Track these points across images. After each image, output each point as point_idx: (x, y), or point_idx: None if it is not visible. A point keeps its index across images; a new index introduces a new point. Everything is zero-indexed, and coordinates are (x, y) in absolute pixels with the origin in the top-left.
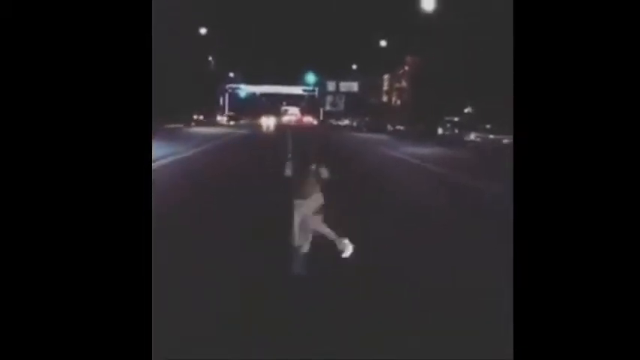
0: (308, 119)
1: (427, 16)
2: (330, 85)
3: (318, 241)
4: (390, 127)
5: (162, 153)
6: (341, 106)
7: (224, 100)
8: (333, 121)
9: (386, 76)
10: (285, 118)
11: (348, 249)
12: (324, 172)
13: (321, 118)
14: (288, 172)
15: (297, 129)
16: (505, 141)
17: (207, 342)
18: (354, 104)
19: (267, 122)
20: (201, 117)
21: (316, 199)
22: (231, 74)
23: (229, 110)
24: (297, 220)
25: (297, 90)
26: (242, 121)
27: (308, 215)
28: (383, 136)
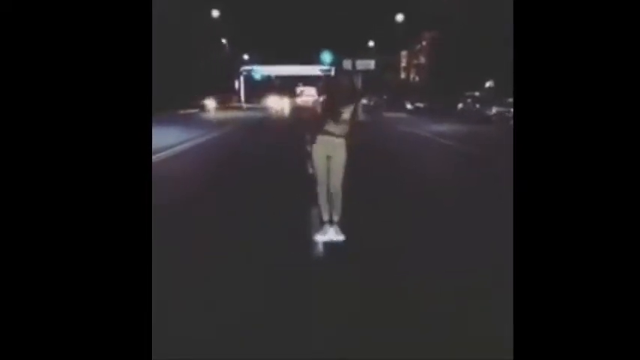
0: None
1: None
2: (347, 64)
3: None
4: (408, 105)
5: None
6: (359, 84)
7: (239, 83)
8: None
9: (403, 53)
10: (302, 100)
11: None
12: (360, 113)
13: None
14: (310, 169)
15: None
16: None
17: (207, 342)
18: (371, 83)
19: (281, 104)
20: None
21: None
22: (246, 56)
23: (245, 94)
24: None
25: (313, 70)
26: (249, 105)
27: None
28: (402, 114)
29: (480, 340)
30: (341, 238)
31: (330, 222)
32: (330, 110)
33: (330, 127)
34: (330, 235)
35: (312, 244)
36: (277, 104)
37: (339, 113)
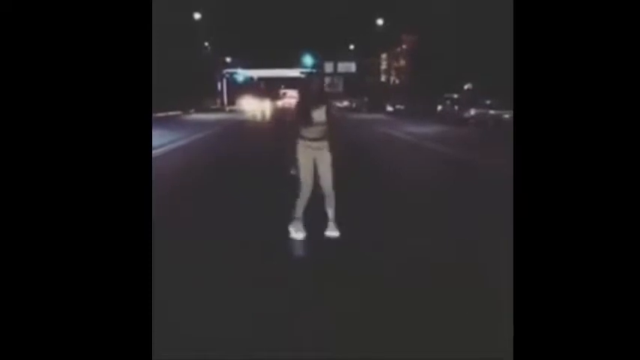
0: None
1: None
2: (328, 67)
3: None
4: (389, 107)
5: None
6: (339, 87)
7: (221, 86)
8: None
9: (384, 56)
10: (285, 102)
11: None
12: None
13: None
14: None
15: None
16: (506, 116)
17: (207, 342)
18: (352, 85)
19: (261, 107)
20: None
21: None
22: (228, 59)
23: (228, 96)
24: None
25: (294, 72)
26: (231, 107)
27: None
28: (383, 116)
29: (480, 340)
30: (337, 234)
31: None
32: (301, 113)
33: (306, 131)
34: (328, 231)
35: (307, 242)
36: (255, 106)
37: (310, 116)
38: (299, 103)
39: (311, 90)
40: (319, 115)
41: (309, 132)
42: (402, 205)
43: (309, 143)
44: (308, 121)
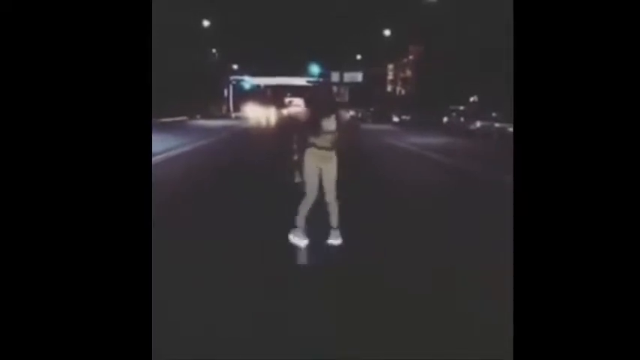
0: None
1: (431, 5)
2: (334, 76)
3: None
4: (395, 118)
5: None
6: (345, 96)
7: (228, 92)
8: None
9: (390, 66)
10: (290, 110)
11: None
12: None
13: None
14: (298, 178)
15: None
16: (510, 129)
17: (207, 342)
18: (358, 95)
19: (266, 114)
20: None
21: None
22: (235, 66)
23: (234, 103)
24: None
25: (301, 81)
26: (237, 114)
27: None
28: (389, 127)
29: (480, 340)
30: (339, 241)
31: (328, 227)
32: (310, 122)
33: (315, 139)
34: (331, 239)
35: (310, 247)
36: (261, 114)
37: (320, 125)
38: (308, 111)
39: (320, 98)
40: (329, 124)
41: (318, 140)
42: (405, 213)
43: (316, 151)
44: (317, 130)
